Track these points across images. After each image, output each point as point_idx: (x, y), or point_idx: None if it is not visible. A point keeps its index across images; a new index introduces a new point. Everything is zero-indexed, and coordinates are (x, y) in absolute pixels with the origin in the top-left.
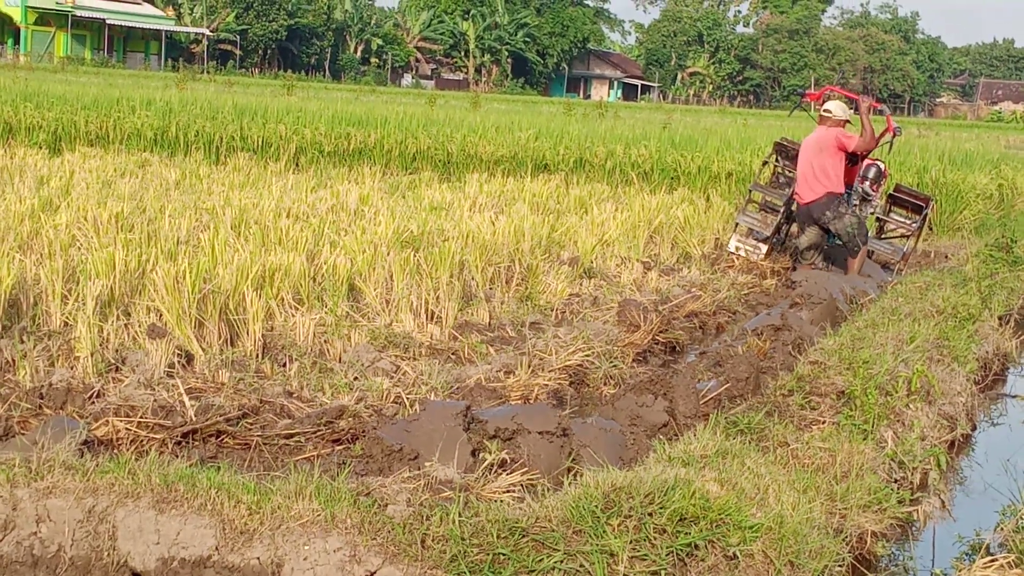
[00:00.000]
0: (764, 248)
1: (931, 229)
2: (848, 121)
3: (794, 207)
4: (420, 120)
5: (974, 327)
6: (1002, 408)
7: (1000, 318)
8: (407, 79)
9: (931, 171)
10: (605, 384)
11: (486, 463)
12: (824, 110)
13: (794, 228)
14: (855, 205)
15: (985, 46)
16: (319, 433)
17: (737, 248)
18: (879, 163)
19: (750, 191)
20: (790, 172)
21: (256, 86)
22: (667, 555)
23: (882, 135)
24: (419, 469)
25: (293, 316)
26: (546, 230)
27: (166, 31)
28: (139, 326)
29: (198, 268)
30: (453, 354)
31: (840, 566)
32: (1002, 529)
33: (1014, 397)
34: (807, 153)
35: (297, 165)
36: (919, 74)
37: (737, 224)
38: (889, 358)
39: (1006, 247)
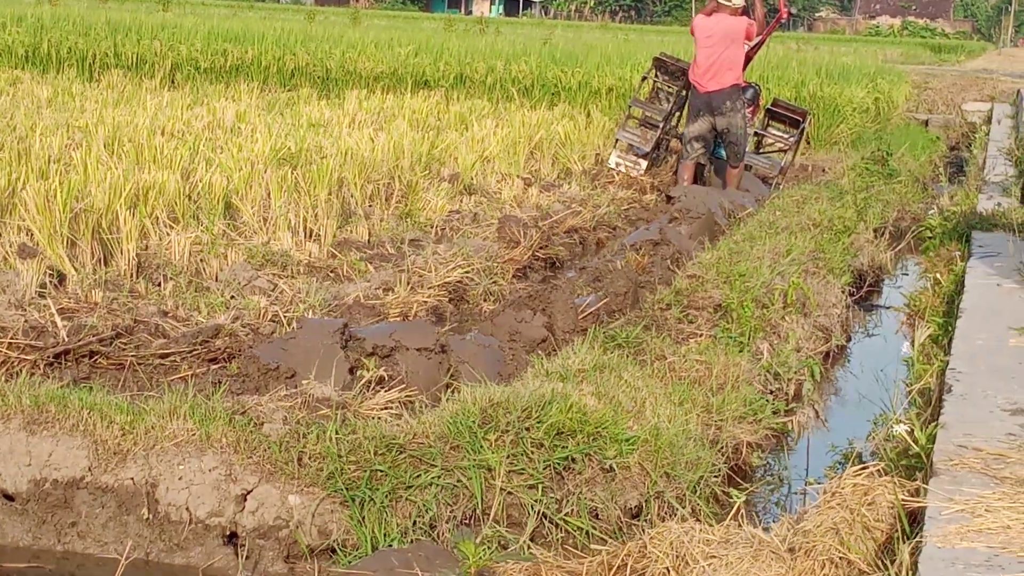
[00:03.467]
0: (644, 164)
1: (808, 143)
2: (745, 8)
3: (682, 93)
4: (299, 36)
5: (850, 240)
6: (876, 319)
7: (875, 231)
8: None
9: (808, 85)
10: (485, 301)
11: (364, 381)
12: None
13: (674, 143)
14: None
15: None
16: (195, 352)
17: (617, 164)
18: (755, 85)
19: (630, 107)
20: (669, 88)
21: (131, 1)
22: (544, 469)
23: (775, 23)
24: (296, 387)
25: (168, 235)
26: (426, 147)
27: None
28: (9, 246)
29: (69, 186)
30: (332, 272)
31: (716, 477)
32: (874, 438)
33: (888, 308)
34: (713, 41)
35: (173, 82)
36: None
37: (617, 140)
38: (766, 271)
39: (882, 160)
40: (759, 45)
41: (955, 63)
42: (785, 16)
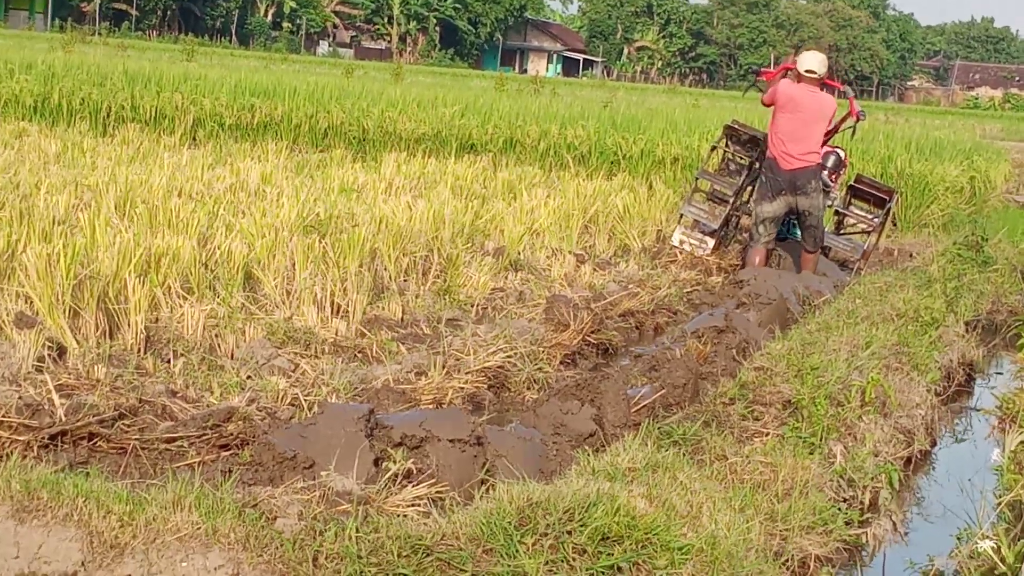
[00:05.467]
0: (711, 242)
1: (895, 224)
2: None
3: (764, 170)
4: (334, 92)
5: (937, 333)
6: (965, 423)
7: (967, 324)
8: (323, 47)
9: (896, 161)
10: (528, 389)
11: (389, 473)
12: (807, 70)
13: (744, 220)
14: None
15: (962, 25)
16: (204, 437)
17: (681, 242)
18: (839, 150)
19: (697, 179)
20: (741, 159)
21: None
22: None
23: (843, 120)
24: (314, 479)
25: (181, 307)
26: (469, 217)
27: None
28: (6, 314)
29: (74, 250)
30: (359, 352)
31: None
32: (957, 555)
33: (978, 411)
34: (803, 111)
35: (194, 140)
36: (889, 54)
37: (682, 215)
38: (842, 365)
39: (975, 246)
40: (834, 131)
41: None
42: (855, 116)
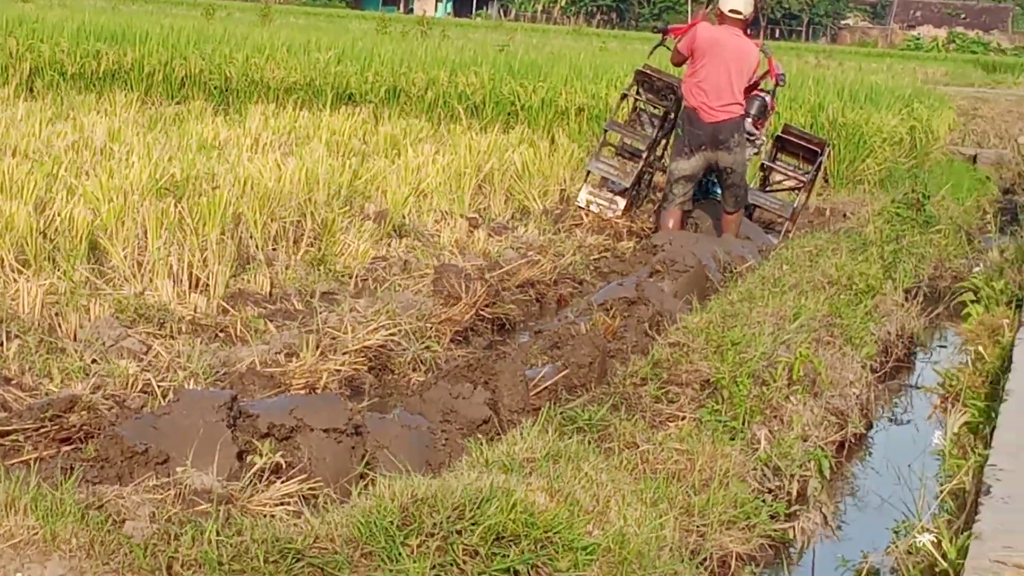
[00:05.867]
0: (622, 202)
1: (826, 180)
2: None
3: (681, 122)
4: (192, 36)
5: (874, 302)
6: (905, 402)
7: (906, 291)
8: None
9: (828, 109)
10: (414, 370)
11: (255, 468)
12: (731, 9)
13: (658, 178)
14: None
15: None
16: (42, 430)
17: (588, 202)
18: (764, 95)
19: (605, 131)
20: (654, 109)
21: None
22: None
23: (761, 79)
24: (169, 476)
25: (16, 282)
26: (347, 176)
27: None
28: None
29: None
30: (222, 331)
31: None
32: (894, 550)
33: (919, 389)
34: (727, 58)
35: (31, 91)
36: None
37: (589, 172)
38: (767, 339)
39: (916, 204)
40: (751, 88)
41: (1013, 85)
42: (774, 79)
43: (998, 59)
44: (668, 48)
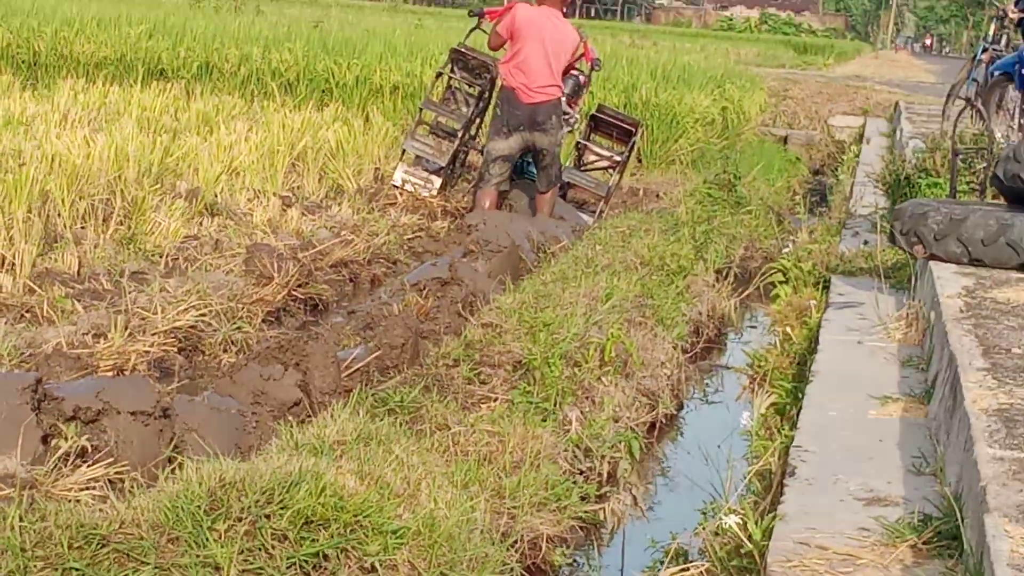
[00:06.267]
0: (437, 181)
1: (640, 161)
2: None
3: (498, 103)
4: None
5: (685, 283)
6: (716, 383)
7: (717, 272)
8: None
9: (641, 89)
10: (225, 351)
11: (60, 452)
12: None
13: (472, 157)
14: None
15: None
16: None
17: (404, 181)
18: (577, 73)
19: (421, 110)
20: (469, 88)
21: None
22: (288, 568)
23: (576, 60)
24: None
25: None
26: (158, 154)
27: None
28: None
29: None
30: (27, 312)
31: None
32: (702, 531)
33: (729, 369)
34: (545, 39)
35: None
36: None
37: (404, 151)
38: (579, 320)
39: (728, 185)
40: (567, 71)
41: (823, 67)
42: (589, 62)
43: (809, 40)
44: (485, 32)
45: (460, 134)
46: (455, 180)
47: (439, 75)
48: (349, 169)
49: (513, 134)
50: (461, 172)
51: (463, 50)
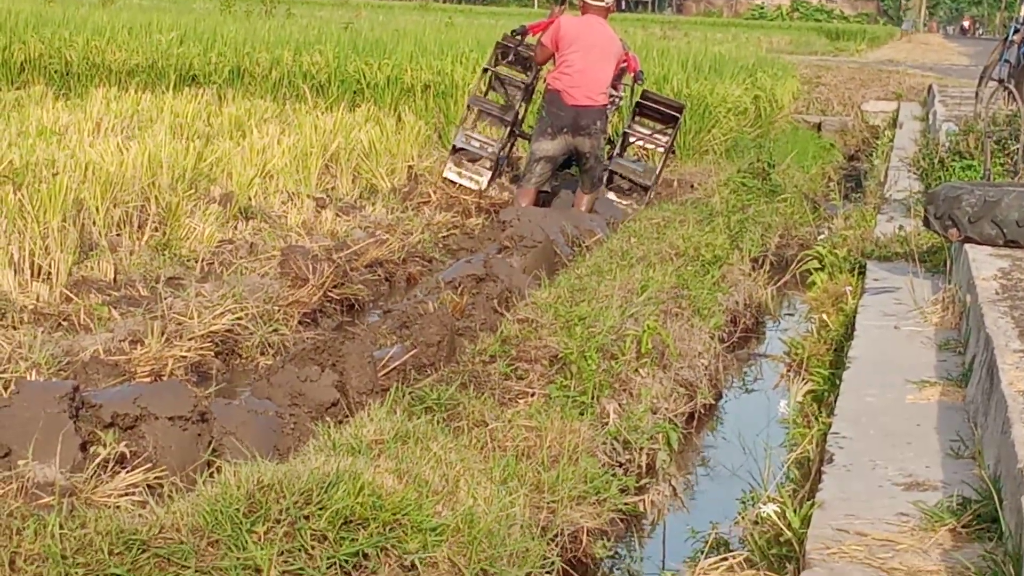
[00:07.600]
0: (488, 176)
1: (673, 152)
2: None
3: (544, 104)
4: (30, 19)
5: (721, 272)
6: (754, 372)
7: (753, 260)
8: None
9: (672, 80)
10: (262, 354)
11: (99, 459)
12: None
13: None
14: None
15: None
16: None
17: (459, 174)
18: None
19: (468, 106)
20: (520, 80)
21: None
22: (328, 568)
23: (621, 71)
24: (10, 469)
25: None
26: (191, 159)
27: None
28: None
29: None
30: (64, 320)
31: (548, 572)
32: (741, 521)
33: (766, 358)
34: (592, 45)
35: None
36: None
37: (454, 147)
38: (615, 313)
39: (762, 174)
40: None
41: (855, 53)
42: (633, 75)
43: (841, 26)
44: (529, 46)
45: (508, 127)
46: (500, 173)
47: (486, 70)
48: (382, 169)
49: (558, 136)
50: (504, 165)
51: (507, 42)
